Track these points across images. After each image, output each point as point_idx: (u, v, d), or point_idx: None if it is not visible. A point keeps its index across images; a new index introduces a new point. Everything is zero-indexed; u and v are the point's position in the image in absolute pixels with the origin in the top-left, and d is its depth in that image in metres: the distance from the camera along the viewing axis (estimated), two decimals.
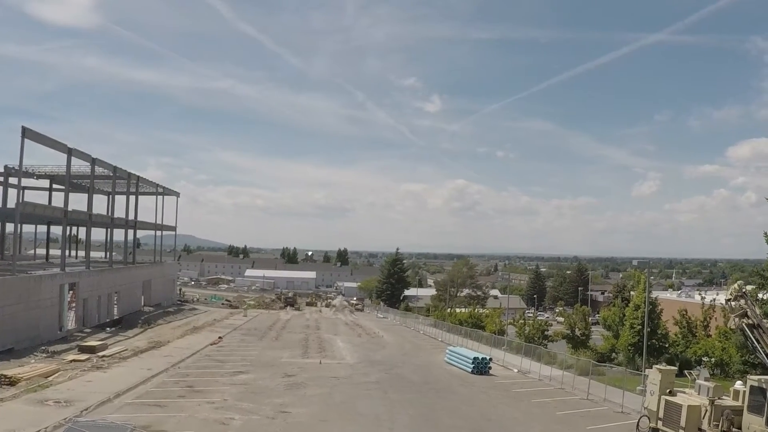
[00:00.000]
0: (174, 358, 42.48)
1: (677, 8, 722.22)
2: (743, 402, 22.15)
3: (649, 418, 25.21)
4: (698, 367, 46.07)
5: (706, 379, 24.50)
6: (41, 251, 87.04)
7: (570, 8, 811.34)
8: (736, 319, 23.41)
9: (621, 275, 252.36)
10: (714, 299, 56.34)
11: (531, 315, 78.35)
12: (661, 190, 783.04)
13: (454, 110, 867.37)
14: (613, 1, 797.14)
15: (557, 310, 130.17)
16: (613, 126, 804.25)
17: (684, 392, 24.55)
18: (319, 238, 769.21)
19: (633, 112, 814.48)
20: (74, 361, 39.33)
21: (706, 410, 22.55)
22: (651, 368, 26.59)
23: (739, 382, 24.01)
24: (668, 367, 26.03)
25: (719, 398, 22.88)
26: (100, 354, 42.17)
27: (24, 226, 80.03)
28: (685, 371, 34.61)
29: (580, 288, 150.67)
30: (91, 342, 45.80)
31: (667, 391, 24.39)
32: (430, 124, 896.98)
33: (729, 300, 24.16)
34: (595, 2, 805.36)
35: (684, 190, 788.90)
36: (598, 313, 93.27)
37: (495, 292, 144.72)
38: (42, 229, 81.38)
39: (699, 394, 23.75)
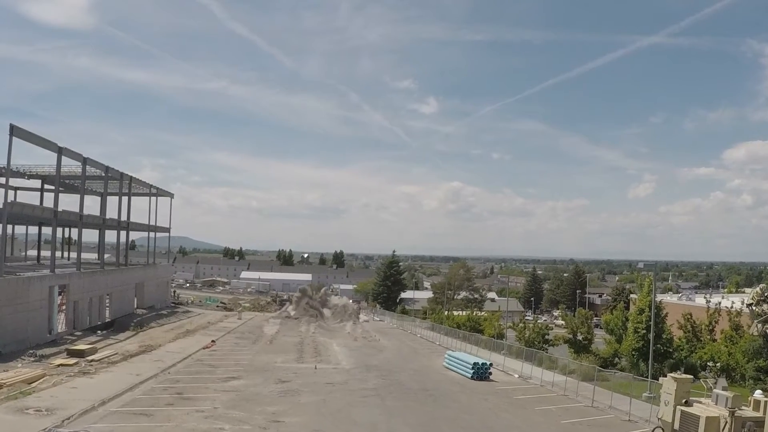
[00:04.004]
0: (164, 363, 41.20)
1: (673, 11, 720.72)
2: (765, 413, 20.90)
3: (663, 430, 23.96)
4: (705, 372, 44.99)
5: (723, 388, 23.15)
6: (33, 253, 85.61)
7: (564, 10, 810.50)
8: (759, 325, 22.23)
9: (617, 278, 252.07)
10: (719, 303, 55.15)
11: (531, 318, 77.12)
12: (656, 192, 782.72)
13: (449, 112, 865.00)
14: (609, 3, 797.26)
15: (555, 313, 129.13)
16: (607, 128, 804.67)
17: (700, 402, 23.28)
18: (313, 239, 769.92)
19: (627, 113, 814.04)
20: (62, 365, 38.10)
21: (726, 422, 21.27)
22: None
23: (759, 392, 22.75)
24: (684, 376, 24.71)
25: (739, 409, 21.62)
26: (89, 358, 40.95)
27: (16, 227, 78.86)
28: (700, 379, 33.33)
29: (577, 291, 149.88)
30: (81, 345, 44.60)
31: (683, 401, 23.12)
32: (424, 126, 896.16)
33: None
34: (590, 4, 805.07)
35: (679, 193, 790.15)
36: (596, 316, 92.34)
37: (492, 294, 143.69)
38: (35, 230, 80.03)
39: (717, 404, 22.45)
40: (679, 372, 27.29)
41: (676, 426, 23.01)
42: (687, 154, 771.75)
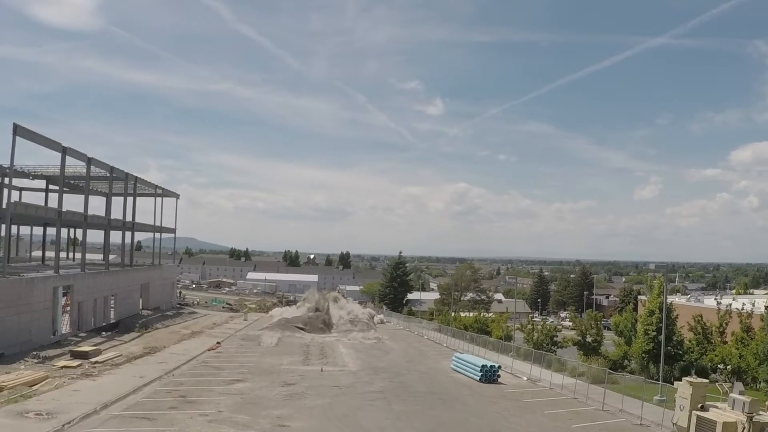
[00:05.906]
0: (169, 365, 40.76)
1: (679, 12, 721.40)
2: None
3: None
4: (715, 375, 44.25)
5: (740, 392, 22.47)
6: (38, 253, 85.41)
7: (571, 12, 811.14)
8: None
9: (624, 279, 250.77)
10: (729, 304, 54.30)
11: (540, 320, 76.28)
12: (662, 194, 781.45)
13: (455, 113, 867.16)
14: (615, 4, 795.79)
15: (563, 315, 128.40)
16: (614, 129, 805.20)
17: (716, 407, 22.63)
18: (319, 240, 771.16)
19: (634, 115, 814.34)
20: (65, 367, 37.73)
21: (744, 427, 20.64)
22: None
23: None
24: (700, 380, 24.03)
25: (757, 413, 20.96)
26: (93, 360, 40.61)
27: (21, 228, 78.67)
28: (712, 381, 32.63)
29: (585, 292, 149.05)
30: (84, 347, 44.25)
31: (699, 406, 22.47)
32: (430, 127, 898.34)
33: None
34: (596, 6, 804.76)
35: (685, 194, 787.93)
36: (604, 318, 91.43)
37: (499, 296, 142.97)
38: (39, 231, 79.65)
39: (734, 409, 21.79)
40: (692, 375, 26.60)
41: (692, 431, 22.39)
42: (693, 156, 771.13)
